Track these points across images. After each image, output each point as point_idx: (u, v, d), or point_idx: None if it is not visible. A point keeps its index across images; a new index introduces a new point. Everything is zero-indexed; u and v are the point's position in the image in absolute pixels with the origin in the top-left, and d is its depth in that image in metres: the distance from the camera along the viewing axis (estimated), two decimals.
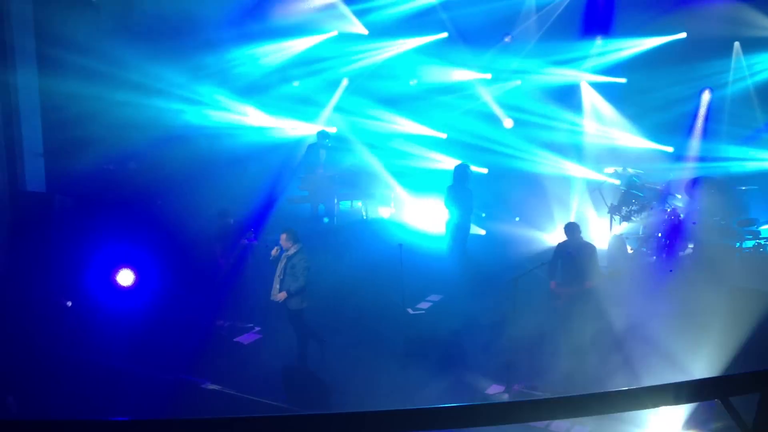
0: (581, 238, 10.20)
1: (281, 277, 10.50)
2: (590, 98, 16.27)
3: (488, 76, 16.72)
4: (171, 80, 14.63)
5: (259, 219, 13.43)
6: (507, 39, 16.25)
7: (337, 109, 16.85)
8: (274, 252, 10.72)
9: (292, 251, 10.54)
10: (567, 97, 16.33)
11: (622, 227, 13.95)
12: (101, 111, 13.43)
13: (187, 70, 14.85)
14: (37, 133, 11.90)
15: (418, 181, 16.34)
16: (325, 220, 15.39)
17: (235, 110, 15.92)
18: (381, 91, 16.97)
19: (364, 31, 16.53)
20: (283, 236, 10.68)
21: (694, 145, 15.15)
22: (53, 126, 12.26)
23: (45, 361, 10.11)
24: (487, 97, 16.70)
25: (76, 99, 12.95)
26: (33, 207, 11.55)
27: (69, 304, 11.25)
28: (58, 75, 12.56)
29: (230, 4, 15.24)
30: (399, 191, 16.28)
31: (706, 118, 15.17)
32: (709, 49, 14.88)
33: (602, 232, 14.39)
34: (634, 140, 15.53)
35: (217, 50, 15.41)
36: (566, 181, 15.53)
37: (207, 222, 13.05)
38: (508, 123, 16.58)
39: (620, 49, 15.72)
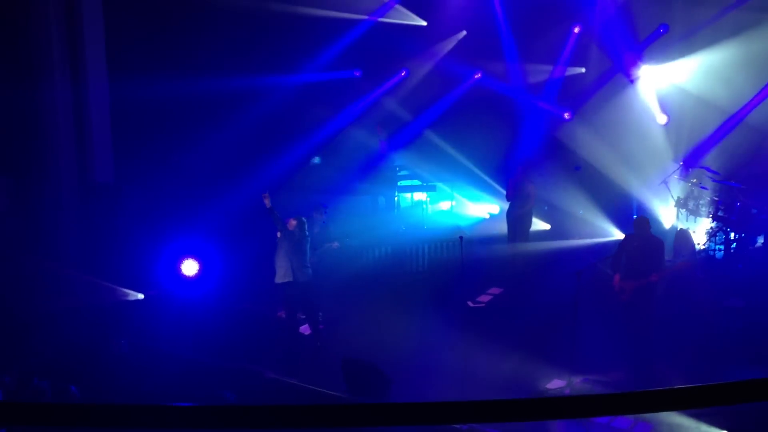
0: (650, 232, 9.99)
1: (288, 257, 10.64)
2: (654, 86, 15.71)
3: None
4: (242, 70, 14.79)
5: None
6: (576, 30, 15.96)
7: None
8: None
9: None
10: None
11: (690, 221, 13.64)
12: (170, 101, 13.72)
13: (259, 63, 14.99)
14: (106, 125, 12.18)
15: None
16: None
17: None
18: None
19: (423, 23, 16.41)
20: (294, 222, 10.76)
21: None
22: (122, 118, 12.54)
23: (110, 349, 10.37)
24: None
25: (145, 90, 13.25)
26: (102, 197, 11.84)
27: (141, 296, 11.50)
28: (127, 65, 12.85)
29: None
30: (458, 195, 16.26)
31: None
32: None
33: (668, 225, 14.10)
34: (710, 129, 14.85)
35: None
36: (629, 174, 15.20)
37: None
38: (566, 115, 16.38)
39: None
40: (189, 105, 14.12)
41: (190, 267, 11.56)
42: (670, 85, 15.30)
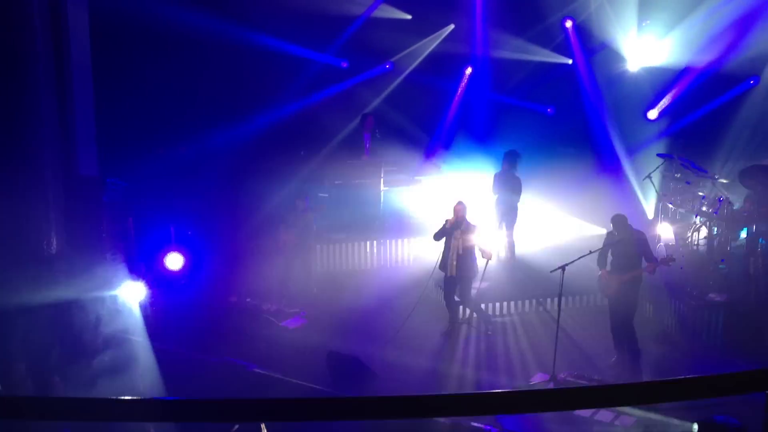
0: (630, 227, 10.06)
1: (461, 251, 10.65)
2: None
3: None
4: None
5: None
6: (568, 24, 16.02)
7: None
8: (449, 223, 10.68)
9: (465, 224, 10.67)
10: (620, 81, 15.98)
11: (674, 216, 13.72)
12: (155, 95, 13.68)
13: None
14: (90, 118, 12.12)
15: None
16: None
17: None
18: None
19: (407, 16, 16.39)
20: (461, 206, 10.75)
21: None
22: (106, 110, 12.49)
23: (93, 343, 10.32)
24: None
25: (130, 83, 13.21)
26: (85, 190, 11.77)
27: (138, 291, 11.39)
28: (112, 58, 12.80)
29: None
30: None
31: None
32: None
33: (653, 220, 14.16)
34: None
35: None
36: (619, 170, 15.27)
37: (274, 203, 13.25)
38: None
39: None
40: (175, 94, 14.10)
41: (174, 261, 11.51)
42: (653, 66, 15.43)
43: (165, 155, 14.00)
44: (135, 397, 2.37)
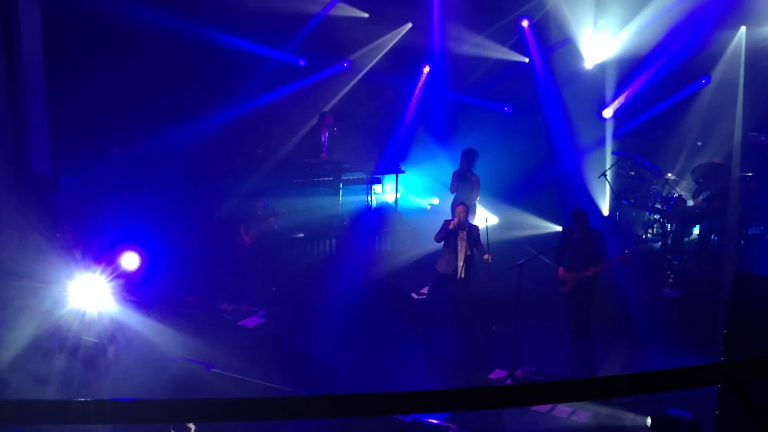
0: (588, 224, 10.18)
1: (468, 252, 10.54)
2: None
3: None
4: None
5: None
6: (524, 23, 16.14)
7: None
8: (452, 225, 10.57)
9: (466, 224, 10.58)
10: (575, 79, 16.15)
11: (629, 213, 13.95)
12: (110, 93, 13.48)
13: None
14: (42, 115, 11.90)
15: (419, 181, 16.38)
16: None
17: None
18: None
19: (364, 15, 16.36)
20: (462, 208, 10.67)
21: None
22: (60, 108, 12.28)
23: (47, 345, 10.14)
24: None
25: (84, 80, 13.00)
26: (38, 189, 11.56)
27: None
28: (65, 54, 12.57)
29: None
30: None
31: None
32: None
33: (608, 217, 14.37)
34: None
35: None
36: (577, 167, 15.44)
37: (233, 202, 13.15)
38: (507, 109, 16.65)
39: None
40: (131, 92, 13.91)
41: (130, 260, 11.34)
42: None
43: (121, 153, 13.81)
44: (88, 399, 2.33)
